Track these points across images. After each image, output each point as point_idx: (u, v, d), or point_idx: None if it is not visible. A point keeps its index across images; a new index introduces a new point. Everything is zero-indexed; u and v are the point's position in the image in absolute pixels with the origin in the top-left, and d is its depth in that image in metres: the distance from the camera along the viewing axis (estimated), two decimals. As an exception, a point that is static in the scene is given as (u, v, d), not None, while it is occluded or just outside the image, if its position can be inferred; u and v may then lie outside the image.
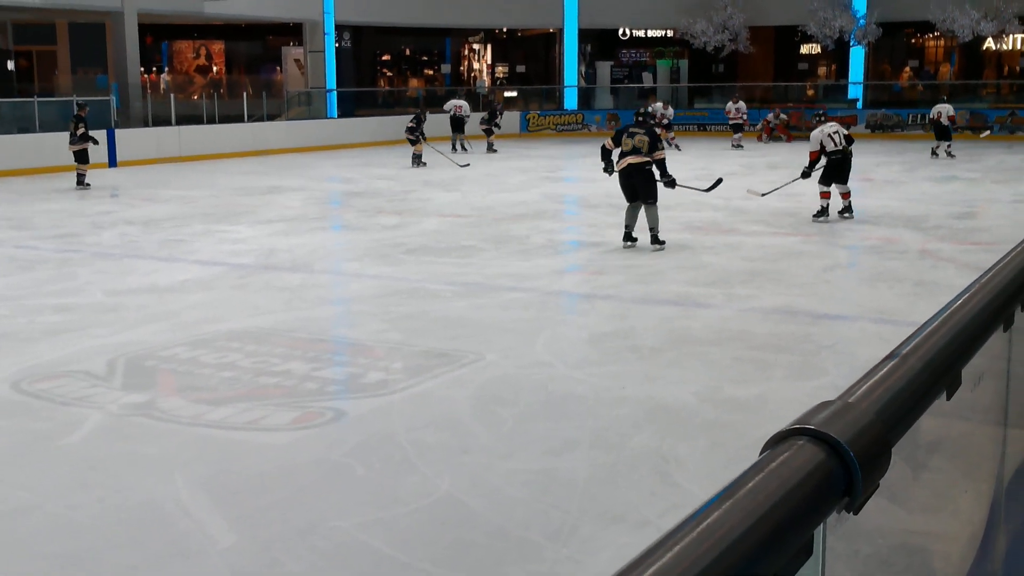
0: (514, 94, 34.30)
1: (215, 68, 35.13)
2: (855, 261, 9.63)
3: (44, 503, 4.24)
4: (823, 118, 12.46)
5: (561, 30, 33.80)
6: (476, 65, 38.36)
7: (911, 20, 31.44)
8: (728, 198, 13.36)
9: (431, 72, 38.04)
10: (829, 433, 0.99)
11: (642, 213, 10.06)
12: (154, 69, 33.93)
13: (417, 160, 20.19)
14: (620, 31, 35.55)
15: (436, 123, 22.51)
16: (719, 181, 11.36)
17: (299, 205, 14.43)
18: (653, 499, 4.22)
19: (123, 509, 4.17)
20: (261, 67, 35.03)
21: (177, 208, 14.06)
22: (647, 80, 34.61)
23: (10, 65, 28.50)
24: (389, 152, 23.69)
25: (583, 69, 34.85)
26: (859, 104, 28.87)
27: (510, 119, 27.88)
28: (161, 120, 23.84)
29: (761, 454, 0.97)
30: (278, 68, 34.18)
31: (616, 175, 10.11)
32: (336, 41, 30.81)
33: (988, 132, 24.99)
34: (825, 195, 12.04)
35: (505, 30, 37.45)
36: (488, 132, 24.07)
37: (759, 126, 26.75)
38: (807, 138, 28.34)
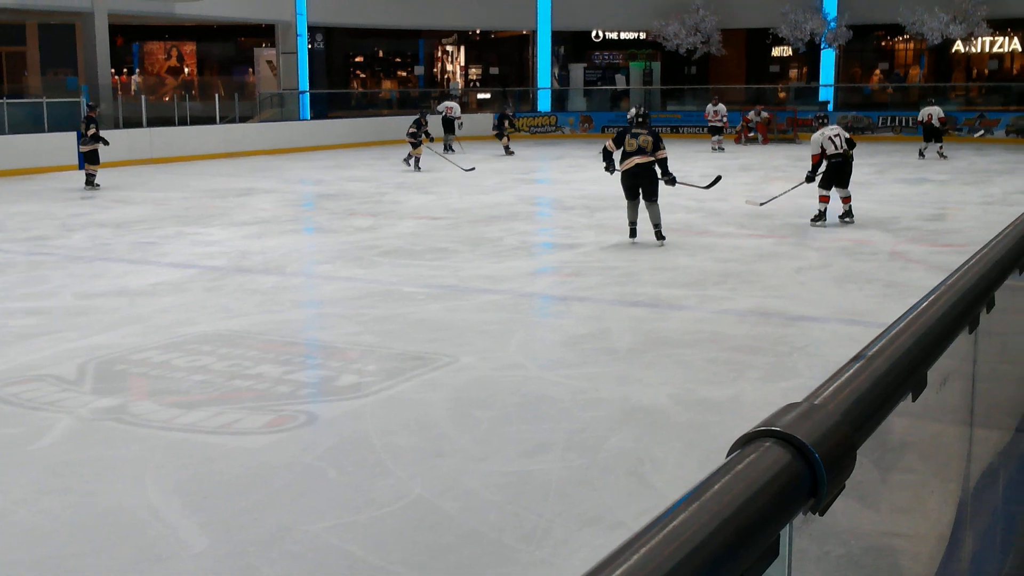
0: (487, 96, 34.30)
1: (187, 69, 34.92)
2: (827, 262, 9.70)
3: (14, 509, 4.20)
4: (823, 120, 12.23)
5: (534, 32, 33.85)
6: (450, 67, 38.33)
7: (881, 23, 31.73)
8: (702, 200, 13.42)
9: (404, 74, 37.98)
10: (795, 435, 1.00)
11: (642, 207, 10.60)
12: (125, 70, 33.68)
13: (415, 162, 19.77)
14: (593, 33, 35.66)
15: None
16: (718, 179, 11.54)
17: (272, 207, 14.36)
18: (628, 501, 4.23)
19: (94, 514, 4.14)
20: (233, 68, 34.85)
21: (149, 210, 13.96)
22: (620, 82, 34.71)
23: (-21, 66, 28.24)
24: (362, 154, 23.62)
25: (556, 71, 34.91)
26: (830, 107, 29.07)
27: (483, 121, 27.85)
28: (132, 122, 23.65)
29: (728, 456, 0.98)
30: (250, 70, 33.99)
31: (619, 174, 10.56)
32: (309, 43, 30.69)
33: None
34: (824, 199, 11.86)
35: (478, 32, 37.46)
36: (500, 135, 24.50)
37: (739, 127, 26.79)
38: (784, 140, 28.40)
